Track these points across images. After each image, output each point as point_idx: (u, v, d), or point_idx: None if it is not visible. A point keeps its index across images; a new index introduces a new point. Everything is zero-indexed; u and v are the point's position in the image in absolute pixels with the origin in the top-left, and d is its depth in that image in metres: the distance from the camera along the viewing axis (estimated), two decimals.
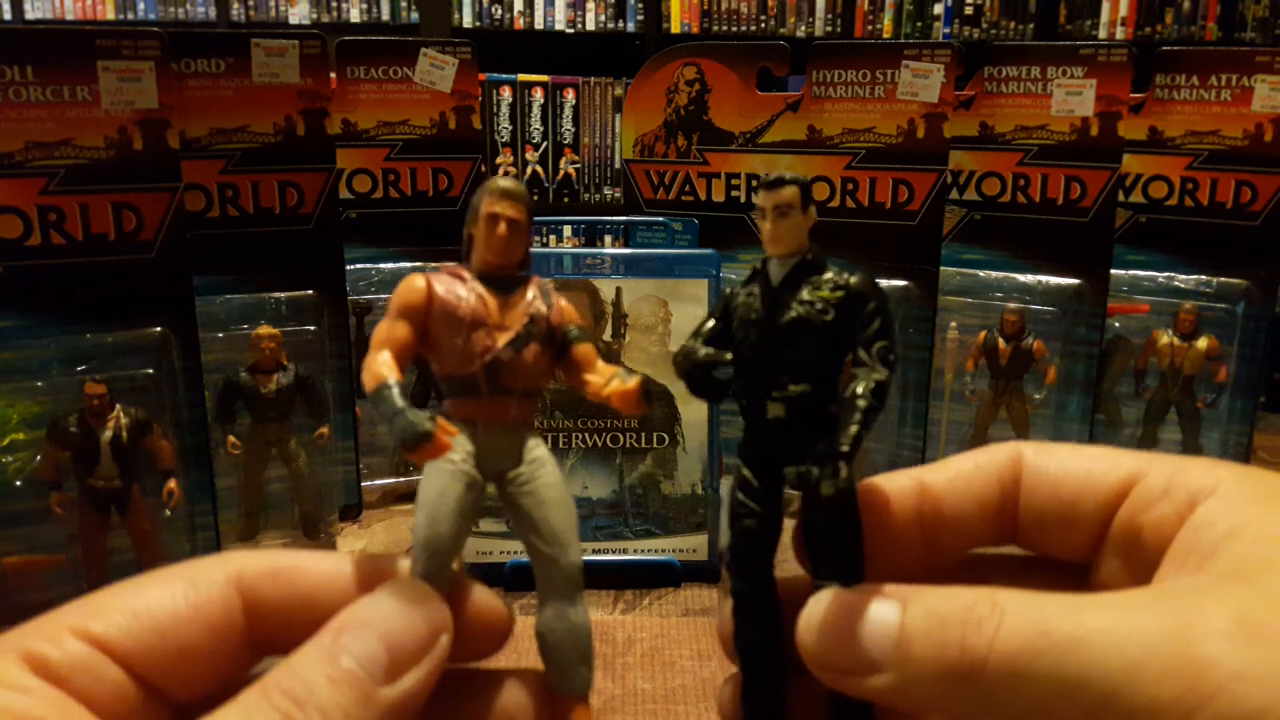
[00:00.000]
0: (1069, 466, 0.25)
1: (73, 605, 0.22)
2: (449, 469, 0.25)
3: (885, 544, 0.25)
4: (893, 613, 0.21)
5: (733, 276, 0.71)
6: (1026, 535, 0.26)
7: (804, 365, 0.24)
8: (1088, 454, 0.25)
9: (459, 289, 0.25)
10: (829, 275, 0.24)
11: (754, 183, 0.70)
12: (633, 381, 0.25)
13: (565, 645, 0.26)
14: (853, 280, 0.24)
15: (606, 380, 0.26)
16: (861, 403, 0.22)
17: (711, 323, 0.25)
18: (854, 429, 0.22)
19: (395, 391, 0.23)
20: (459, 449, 0.25)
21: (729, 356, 0.24)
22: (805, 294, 0.24)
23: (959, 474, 0.26)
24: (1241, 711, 0.18)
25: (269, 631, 0.23)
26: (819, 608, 0.22)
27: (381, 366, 0.24)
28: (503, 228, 0.25)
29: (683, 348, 0.25)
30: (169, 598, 0.22)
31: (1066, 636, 0.20)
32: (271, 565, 0.24)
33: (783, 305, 0.24)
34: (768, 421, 0.24)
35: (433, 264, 0.75)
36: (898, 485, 0.25)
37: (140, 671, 0.21)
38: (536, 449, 0.26)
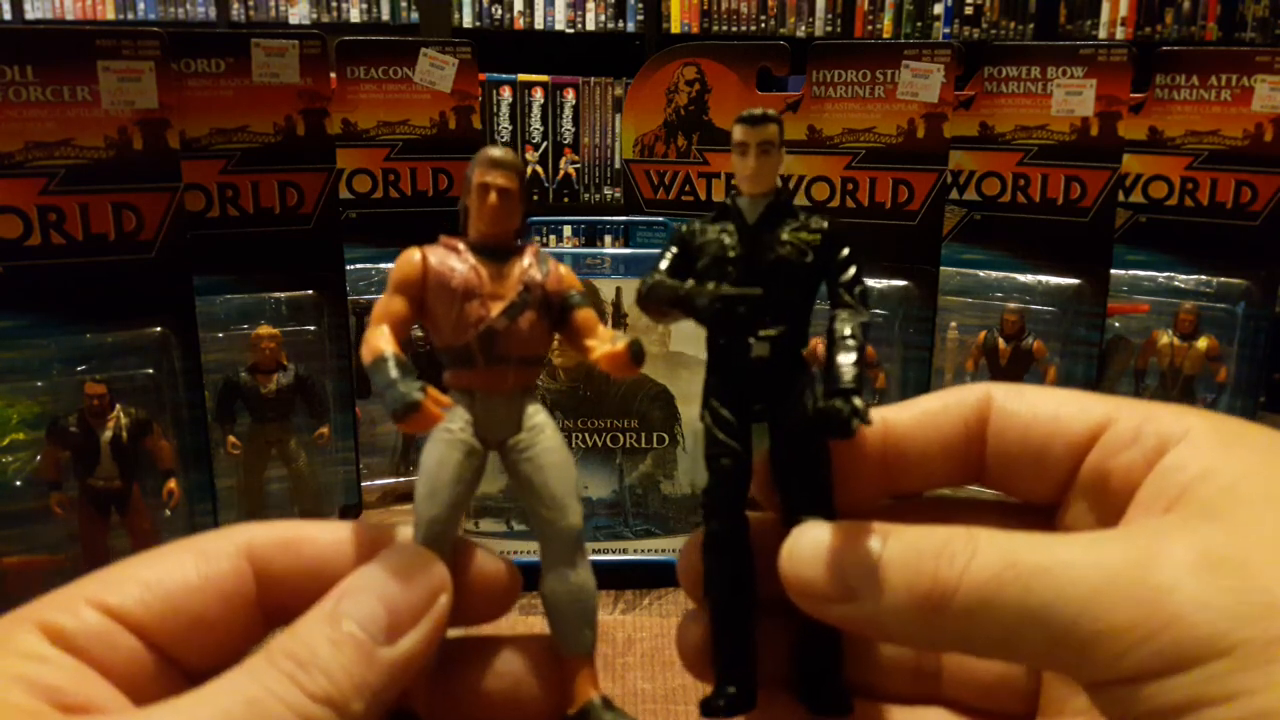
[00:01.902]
0: (1038, 410, 0.25)
1: (88, 578, 0.22)
2: (447, 438, 0.25)
3: (849, 480, 0.25)
4: (874, 544, 0.22)
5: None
6: (993, 476, 0.26)
7: (786, 305, 0.24)
8: (1058, 397, 0.25)
9: (453, 260, 0.25)
10: (804, 218, 0.25)
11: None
12: (621, 343, 0.25)
13: (567, 607, 0.26)
14: (826, 224, 0.24)
15: (603, 344, 0.26)
16: (852, 341, 0.23)
17: (669, 258, 0.25)
18: (853, 365, 0.23)
19: (391, 364, 0.23)
20: (457, 418, 0.25)
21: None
22: (785, 235, 0.24)
23: (925, 413, 0.26)
24: (1197, 636, 0.18)
25: (280, 600, 0.23)
26: (804, 538, 0.23)
27: (379, 340, 0.24)
28: (494, 197, 0.25)
29: (661, 283, 0.25)
30: (181, 569, 0.23)
31: (1032, 566, 0.20)
32: (281, 536, 0.24)
33: (763, 245, 0.24)
34: (750, 360, 0.24)
35: None
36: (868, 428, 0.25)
37: (155, 641, 0.22)
38: (536, 415, 0.26)
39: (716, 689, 0.25)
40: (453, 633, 0.25)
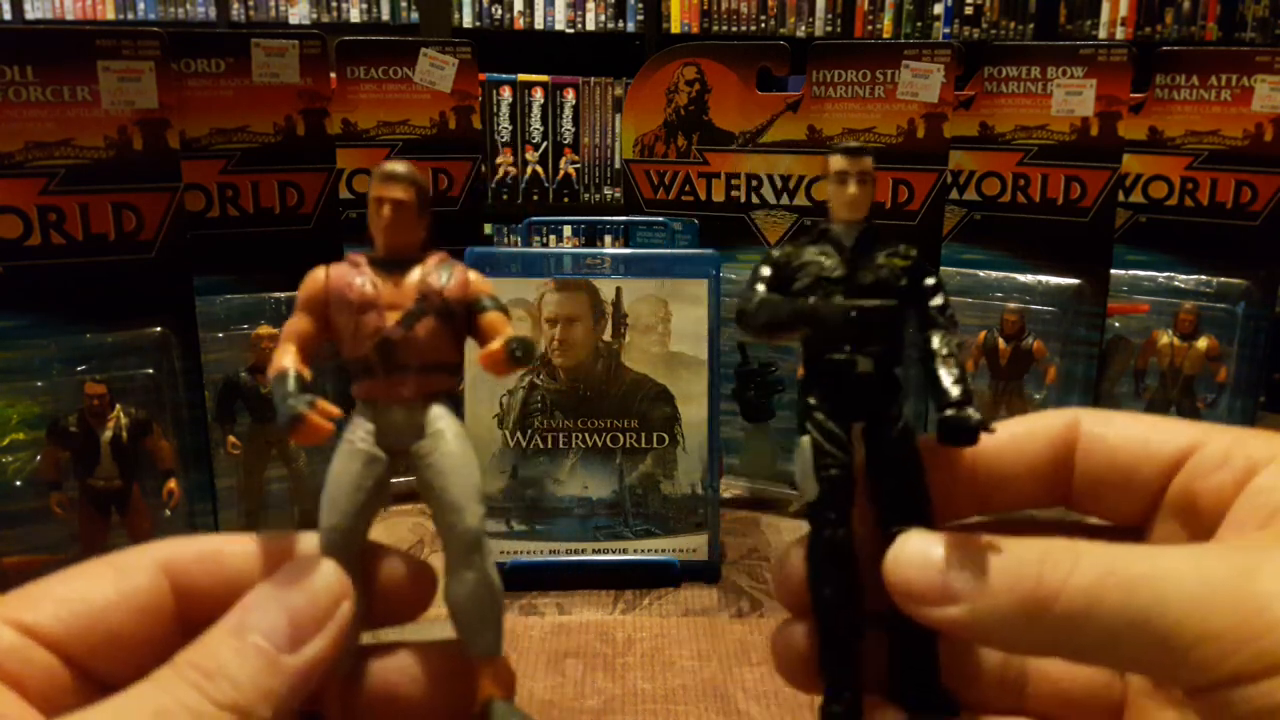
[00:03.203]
0: (1127, 434, 0.26)
1: (4, 597, 0.23)
2: (348, 448, 0.26)
3: (941, 497, 0.26)
4: (980, 549, 0.23)
5: (733, 277, 0.71)
6: (1081, 499, 0.27)
7: (886, 324, 0.25)
8: (1146, 422, 0.26)
9: (351, 275, 0.26)
10: (894, 244, 0.26)
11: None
12: (497, 343, 0.26)
13: (466, 608, 0.26)
14: (914, 252, 0.26)
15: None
16: (953, 358, 0.25)
17: (765, 278, 0.26)
18: (959, 380, 0.24)
19: (290, 379, 0.25)
20: (359, 429, 0.26)
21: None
22: (881, 259, 0.26)
23: (1014, 436, 0.27)
24: None
25: (198, 614, 0.24)
26: (910, 543, 0.24)
27: (282, 356, 0.25)
28: (387, 209, 0.26)
29: (771, 299, 0.26)
30: (98, 585, 0.24)
31: (1135, 574, 0.21)
32: (198, 550, 0.25)
33: (863, 267, 0.25)
34: (857, 375, 0.25)
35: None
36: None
37: (72, 656, 0.23)
38: (438, 420, 0.27)
39: (832, 696, 0.26)
40: (368, 637, 0.26)
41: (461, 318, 0.27)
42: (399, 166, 0.26)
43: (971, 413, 0.24)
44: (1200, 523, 0.24)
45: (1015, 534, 0.24)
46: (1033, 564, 0.22)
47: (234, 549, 0.25)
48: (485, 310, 0.27)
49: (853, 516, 0.26)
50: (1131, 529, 0.26)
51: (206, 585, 0.24)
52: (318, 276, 0.26)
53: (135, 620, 0.23)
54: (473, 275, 0.27)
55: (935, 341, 0.25)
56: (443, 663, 0.26)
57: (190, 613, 0.24)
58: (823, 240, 0.26)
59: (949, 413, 0.24)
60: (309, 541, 0.25)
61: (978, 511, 0.27)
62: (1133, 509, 0.26)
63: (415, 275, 0.26)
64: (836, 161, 0.26)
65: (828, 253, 0.26)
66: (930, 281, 0.26)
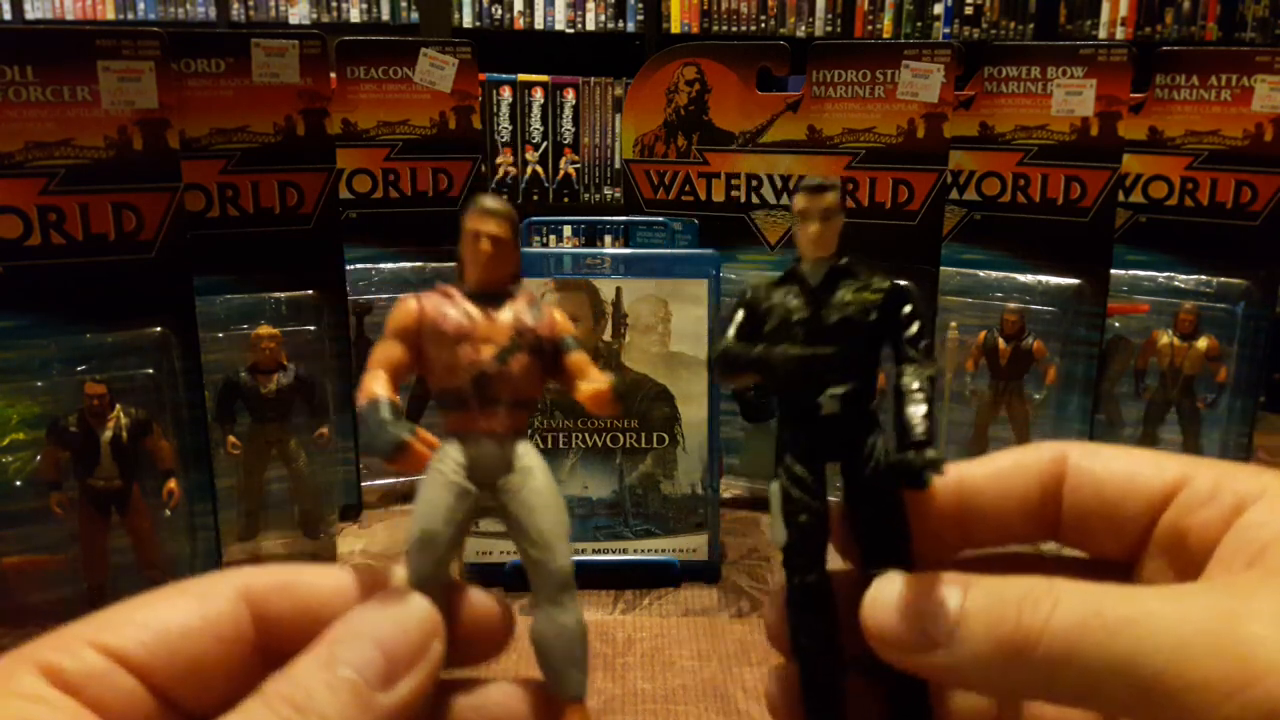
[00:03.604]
0: (1114, 468, 0.25)
1: (87, 620, 0.22)
2: (440, 480, 0.26)
3: (925, 534, 0.25)
4: (955, 592, 0.22)
5: (733, 276, 0.71)
6: (1069, 533, 0.26)
7: (852, 363, 0.25)
8: (1133, 456, 0.26)
9: (446, 306, 0.26)
10: (865, 278, 0.25)
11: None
12: (604, 383, 0.26)
13: (555, 649, 0.26)
14: (888, 284, 0.25)
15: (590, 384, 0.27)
16: (920, 395, 0.24)
17: (737, 323, 0.26)
18: (924, 418, 0.23)
19: (383, 407, 0.24)
20: (449, 460, 0.26)
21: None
22: (848, 295, 0.25)
23: (1000, 470, 0.26)
24: None
25: (277, 643, 0.24)
26: (884, 588, 0.23)
27: (373, 383, 0.25)
28: (485, 244, 0.26)
29: (730, 349, 0.26)
30: (180, 611, 0.23)
31: (1119, 617, 0.20)
32: (278, 579, 0.24)
33: (827, 306, 0.25)
34: (822, 417, 0.25)
35: (433, 263, 0.75)
36: (940, 481, 0.26)
37: (154, 682, 0.22)
38: (526, 456, 0.27)
39: None
40: (446, 674, 0.25)
41: (549, 355, 0.27)
42: (496, 202, 0.26)
43: (914, 457, 0.23)
44: (1189, 559, 0.24)
45: (998, 570, 0.23)
46: (1012, 606, 0.21)
47: (316, 579, 0.25)
48: (570, 350, 0.27)
49: (826, 560, 0.25)
50: (1120, 565, 0.26)
51: (287, 614, 0.24)
52: (410, 306, 0.26)
53: (217, 648, 0.23)
54: (558, 314, 0.27)
55: (903, 378, 0.24)
56: (531, 702, 0.26)
57: (268, 642, 0.24)
58: (790, 280, 0.26)
59: (894, 456, 0.24)
60: (397, 574, 0.25)
61: (964, 547, 0.27)
62: (1121, 544, 0.25)
63: (509, 311, 0.27)
64: (798, 200, 0.25)
65: (794, 293, 0.25)
66: (906, 310, 0.25)
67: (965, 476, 0.26)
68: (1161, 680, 0.19)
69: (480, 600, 0.26)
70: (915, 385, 0.24)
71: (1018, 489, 0.26)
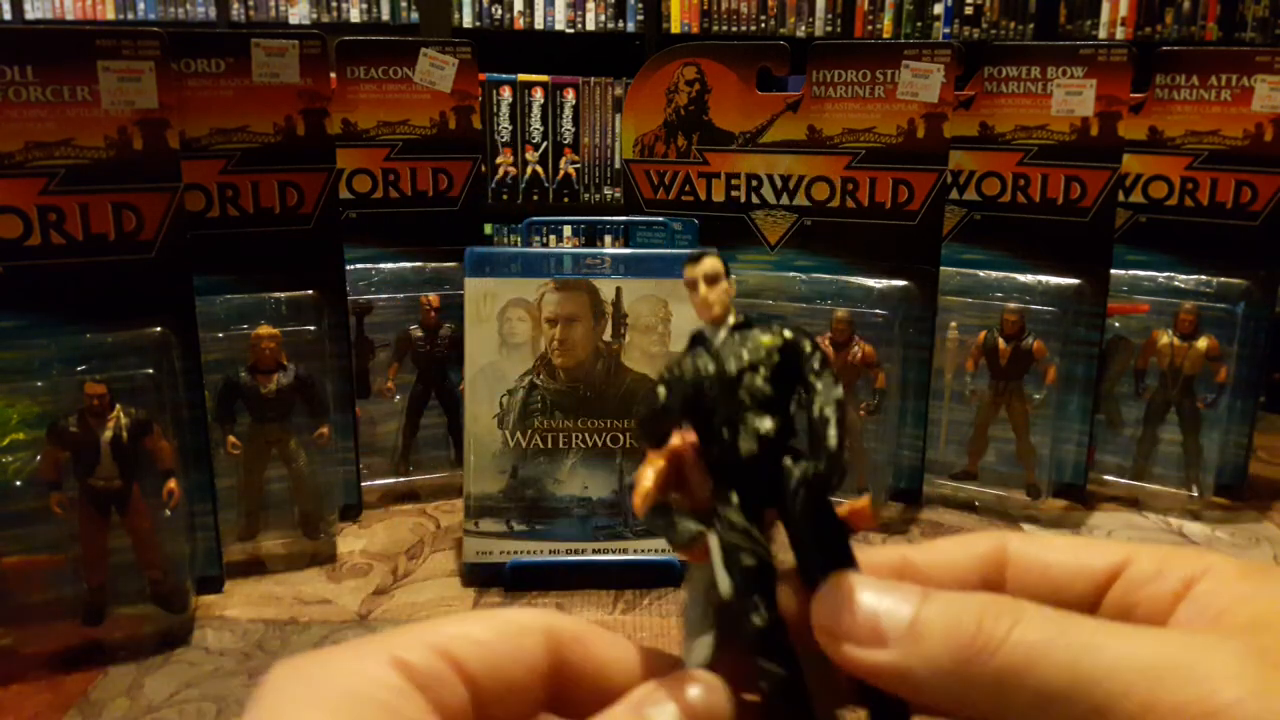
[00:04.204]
0: (1056, 553, 0.26)
1: (424, 624, 0.24)
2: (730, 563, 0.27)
3: None
4: (913, 593, 0.23)
5: (733, 276, 0.71)
6: None
7: (762, 402, 0.25)
8: (1073, 542, 0.26)
9: None
10: (764, 330, 0.27)
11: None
12: (863, 500, 0.26)
13: None
14: (787, 332, 0.26)
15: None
16: (830, 411, 0.24)
17: (662, 395, 0.27)
18: (833, 428, 0.24)
19: (669, 509, 0.26)
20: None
21: (663, 405, 0.26)
22: (749, 345, 0.26)
23: (944, 553, 0.27)
24: None
25: (564, 689, 0.25)
26: (836, 583, 0.24)
27: (649, 478, 0.26)
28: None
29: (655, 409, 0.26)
30: (506, 635, 0.24)
31: (1081, 638, 0.20)
32: (576, 631, 0.26)
33: (731, 357, 0.26)
34: (742, 459, 0.25)
35: (432, 263, 0.75)
36: (884, 558, 0.26)
37: (477, 695, 0.23)
38: None
39: None
40: None
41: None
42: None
43: (812, 466, 0.24)
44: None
45: None
46: (973, 613, 0.21)
47: (607, 641, 0.26)
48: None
49: (776, 601, 0.25)
50: None
51: (577, 664, 0.25)
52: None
53: (526, 677, 0.24)
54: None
55: (816, 403, 0.25)
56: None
57: (558, 686, 0.25)
58: (693, 348, 0.27)
59: (801, 465, 0.24)
60: (697, 657, 0.26)
61: None
62: None
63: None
64: (685, 272, 0.27)
65: (699, 355, 0.26)
66: (808, 349, 0.26)
67: (910, 559, 0.26)
68: (1119, 704, 0.19)
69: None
70: (823, 410, 0.25)
71: (961, 572, 0.26)
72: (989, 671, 0.21)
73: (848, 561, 0.25)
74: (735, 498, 0.26)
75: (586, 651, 0.25)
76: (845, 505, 0.25)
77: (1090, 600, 0.25)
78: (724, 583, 0.25)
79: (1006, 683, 0.21)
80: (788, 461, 0.25)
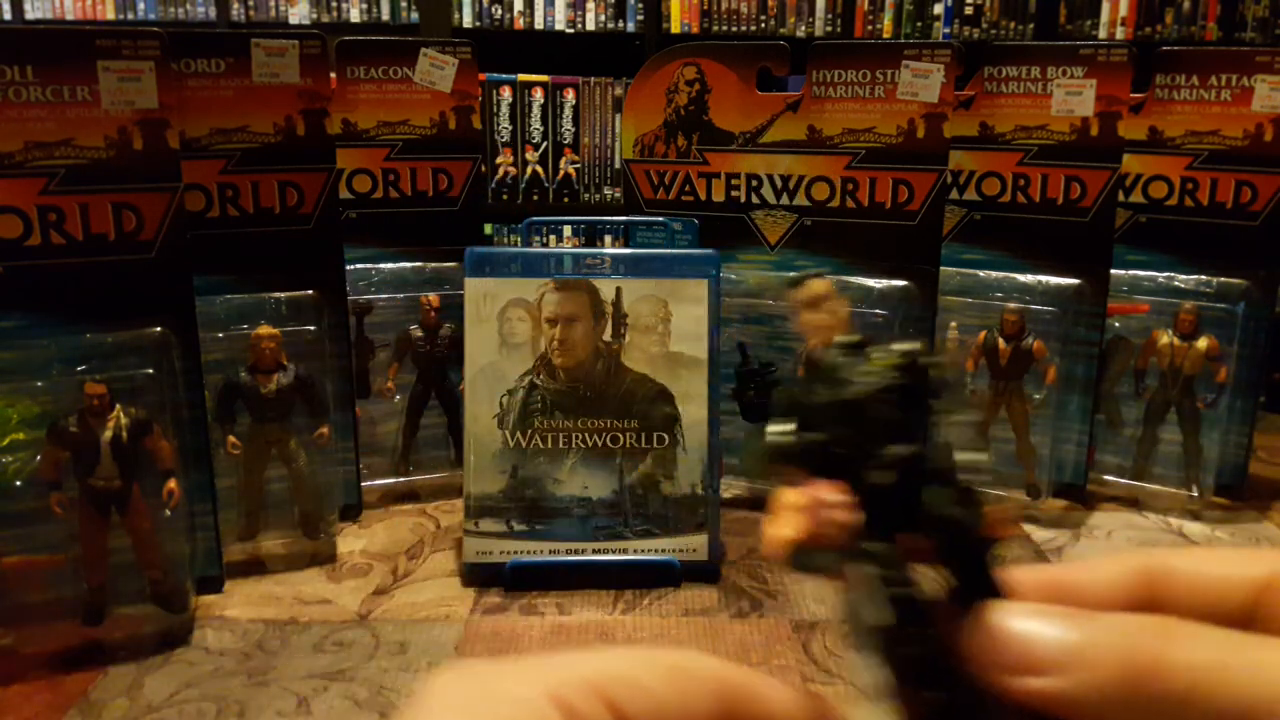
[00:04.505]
0: (1207, 566, 0.26)
1: (587, 658, 0.23)
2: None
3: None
4: (1076, 616, 0.22)
5: (733, 276, 0.72)
6: None
7: (890, 427, 0.25)
8: (1221, 555, 0.26)
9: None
10: (880, 350, 0.26)
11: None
12: (1002, 508, 0.26)
13: None
14: (904, 348, 0.25)
15: None
16: (957, 439, 0.24)
17: (788, 432, 0.26)
18: (970, 458, 0.24)
19: (806, 547, 0.25)
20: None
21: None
22: (868, 368, 0.25)
23: (1092, 571, 0.27)
24: None
25: None
26: (998, 611, 0.23)
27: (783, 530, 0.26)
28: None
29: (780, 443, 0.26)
30: (674, 684, 0.23)
31: (1257, 659, 0.20)
32: (746, 682, 0.25)
33: (852, 382, 0.25)
34: (875, 488, 0.25)
35: (432, 263, 0.75)
36: (1033, 579, 0.26)
37: None
38: None
39: None
40: None
41: None
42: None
43: (966, 512, 0.24)
44: None
45: None
46: (1140, 635, 0.21)
47: (773, 688, 0.25)
48: None
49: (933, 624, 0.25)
50: None
51: (744, 712, 0.25)
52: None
53: None
54: None
55: (938, 432, 0.25)
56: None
57: None
58: (811, 371, 0.26)
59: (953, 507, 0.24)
60: (870, 686, 0.25)
61: None
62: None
63: None
64: (791, 294, 0.27)
65: (818, 381, 0.26)
66: (926, 363, 0.26)
67: (1058, 579, 0.26)
68: None
69: None
70: (949, 440, 0.24)
71: (1110, 593, 0.26)
72: (1160, 695, 0.21)
73: (997, 586, 0.24)
74: (872, 526, 0.25)
75: (755, 705, 0.25)
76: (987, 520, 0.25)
77: (1244, 615, 0.25)
78: (873, 613, 0.24)
79: (1179, 706, 0.20)
80: (925, 493, 0.24)
